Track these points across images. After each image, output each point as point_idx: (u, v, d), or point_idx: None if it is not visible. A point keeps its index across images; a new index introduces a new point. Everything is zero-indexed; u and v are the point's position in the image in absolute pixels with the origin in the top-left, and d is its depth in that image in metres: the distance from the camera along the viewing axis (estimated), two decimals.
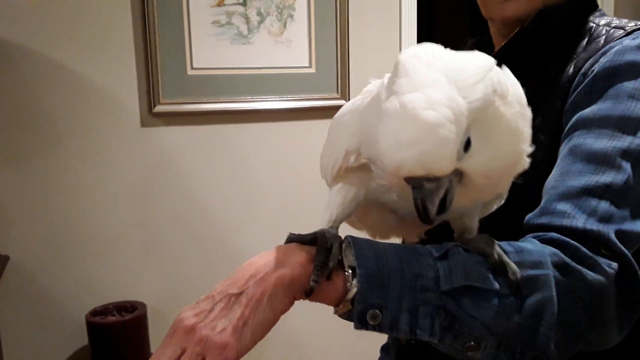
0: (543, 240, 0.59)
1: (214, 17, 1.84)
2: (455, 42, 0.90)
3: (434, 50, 0.51)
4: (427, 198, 0.48)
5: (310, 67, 1.96)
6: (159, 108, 1.78)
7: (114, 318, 1.60)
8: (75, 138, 1.71)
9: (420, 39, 2.15)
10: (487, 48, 0.87)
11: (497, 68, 0.51)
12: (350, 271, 0.52)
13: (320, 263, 0.53)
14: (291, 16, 1.93)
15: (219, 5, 1.84)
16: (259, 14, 1.89)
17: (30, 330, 1.71)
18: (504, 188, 0.58)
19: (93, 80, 1.71)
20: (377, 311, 0.51)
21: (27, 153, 1.67)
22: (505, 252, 0.55)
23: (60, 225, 1.72)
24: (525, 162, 0.54)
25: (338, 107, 2.08)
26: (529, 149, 0.53)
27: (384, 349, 0.98)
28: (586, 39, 0.74)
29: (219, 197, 1.89)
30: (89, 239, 1.75)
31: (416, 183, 0.48)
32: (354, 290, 0.51)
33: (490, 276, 0.54)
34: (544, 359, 0.55)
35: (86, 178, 1.73)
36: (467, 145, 0.47)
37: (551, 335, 0.55)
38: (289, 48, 1.94)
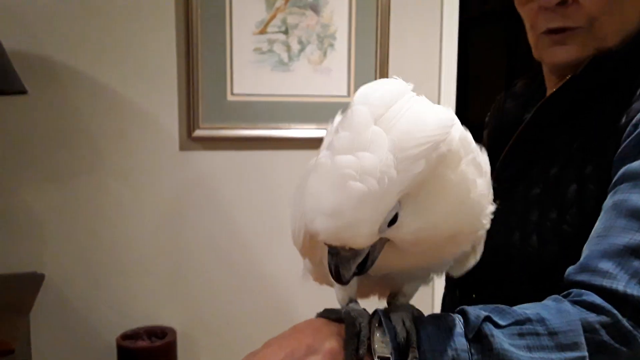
0: (582, 303, 0.56)
1: (256, 44, 1.85)
2: (490, 77, 0.87)
3: (393, 96, 0.46)
4: (341, 265, 0.46)
5: (348, 96, 1.96)
6: (198, 132, 1.79)
7: (144, 343, 1.59)
8: (115, 159, 1.73)
9: (460, 70, 2.14)
10: (538, 91, 0.85)
11: (458, 127, 0.48)
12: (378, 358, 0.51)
13: (351, 352, 0.51)
14: (331, 45, 1.93)
15: (261, 32, 1.86)
16: (300, 42, 1.90)
17: (61, 348, 1.71)
18: (451, 254, 0.56)
19: (135, 102, 1.73)
20: None
21: (67, 171, 1.69)
22: (528, 333, 0.52)
23: (95, 245, 1.73)
24: (481, 226, 0.53)
25: None
26: (484, 214, 0.53)
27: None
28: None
29: (253, 223, 1.88)
30: (122, 260, 1.75)
31: (332, 249, 0.46)
32: None
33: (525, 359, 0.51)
34: None
35: (123, 199, 1.75)
36: (395, 218, 0.45)
37: None
38: (329, 77, 1.94)
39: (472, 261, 0.60)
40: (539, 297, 0.59)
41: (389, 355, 0.50)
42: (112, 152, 1.73)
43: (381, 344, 0.51)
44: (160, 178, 1.78)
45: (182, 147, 1.80)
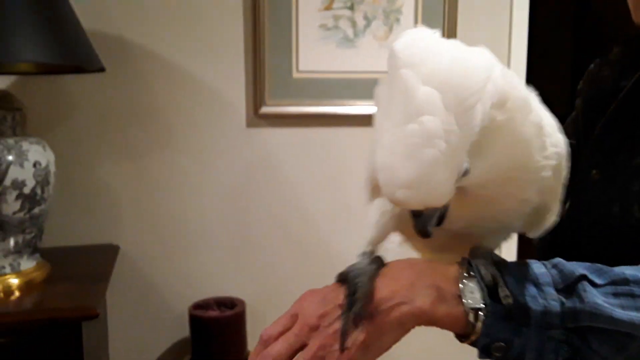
0: None
1: (322, 21, 1.85)
2: (557, 54, 0.83)
3: (428, 49, 0.47)
4: (423, 223, 0.48)
5: None
6: (264, 109, 1.82)
7: (214, 312, 1.64)
8: (185, 135, 1.78)
9: (530, 46, 2.07)
10: (636, 58, 0.81)
11: (496, 69, 0.47)
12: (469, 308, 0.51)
13: (349, 315, 0.52)
14: (397, 20, 1.91)
15: (326, 9, 1.85)
16: (366, 18, 1.89)
17: (136, 317, 1.79)
18: (519, 201, 0.55)
19: (205, 80, 1.77)
20: (503, 344, 0.50)
21: (141, 148, 1.76)
22: (625, 293, 0.51)
23: (167, 219, 1.79)
24: (542, 167, 0.52)
25: None
26: (541, 150, 0.52)
27: None
28: None
29: (317, 199, 1.90)
30: (192, 233, 1.81)
31: (415, 212, 0.48)
32: (480, 324, 0.50)
33: (619, 316, 0.50)
34: None
35: (193, 175, 1.80)
36: (466, 170, 0.46)
37: None
38: None
39: (550, 219, 0.59)
40: None
41: (480, 305, 0.50)
42: (183, 129, 1.78)
43: (470, 294, 0.51)
44: (228, 154, 1.82)
45: (249, 124, 1.83)
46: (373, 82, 2.00)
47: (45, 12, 1.24)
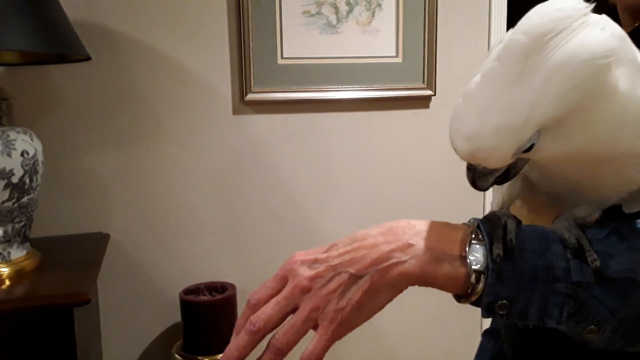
0: None
1: (305, 7, 1.86)
2: None
3: (556, 24, 0.43)
4: (478, 178, 0.49)
5: (397, 56, 1.96)
6: (250, 96, 1.83)
7: (205, 297, 1.66)
8: (172, 123, 1.79)
9: (508, 28, 2.10)
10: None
11: (627, 42, 0.45)
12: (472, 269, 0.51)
13: (497, 237, 0.51)
14: (379, 5, 1.93)
15: None
16: (348, 3, 1.90)
17: (128, 304, 1.81)
18: (622, 174, 0.52)
19: (190, 67, 1.78)
20: (507, 302, 0.50)
21: (128, 135, 1.77)
22: (627, 237, 0.51)
23: (156, 206, 1.81)
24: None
25: (424, 97, 2.07)
26: None
27: (489, 333, 0.96)
28: None
29: (304, 184, 1.93)
30: (182, 220, 1.83)
31: (469, 164, 0.50)
32: (481, 285, 0.50)
33: (622, 264, 0.50)
34: None
35: (181, 162, 1.81)
36: (531, 146, 0.46)
37: None
38: (377, 38, 1.94)
39: None
40: None
41: (484, 267, 0.50)
42: (170, 117, 1.79)
43: (474, 257, 0.51)
44: (216, 141, 1.84)
45: (235, 111, 1.85)
46: (357, 67, 2.04)
47: (30, 0, 1.24)
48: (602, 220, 0.54)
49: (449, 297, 0.55)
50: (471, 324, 2.07)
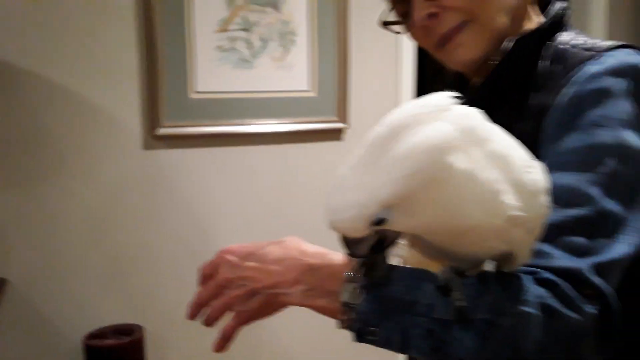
0: (538, 280, 0.59)
1: (218, 43, 1.86)
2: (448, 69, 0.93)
3: (410, 116, 0.50)
4: (349, 246, 0.56)
5: (311, 91, 1.98)
6: (161, 131, 1.80)
7: (111, 341, 1.58)
8: (77, 160, 1.72)
9: (417, 63, 2.17)
10: (466, 80, 0.90)
11: (474, 131, 0.52)
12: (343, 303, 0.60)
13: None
14: (293, 41, 1.96)
15: (222, 31, 1.87)
16: (262, 39, 1.92)
17: (27, 353, 1.69)
18: (480, 248, 0.57)
19: (96, 102, 1.73)
20: (374, 329, 0.58)
21: (29, 175, 1.68)
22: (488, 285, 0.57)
23: (59, 249, 1.72)
24: (499, 225, 0.53)
25: (338, 130, 2.10)
26: (500, 209, 0.52)
27: None
28: (559, 64, 0.75)
29: (221, 219, 1.89)
30: (89, 261, 1.75)
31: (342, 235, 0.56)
32: (354, 314, 0.59)
33: (482, 307, 0.56)
34: None
35: (88, 201, 1.74)
36: (382, 221, 0.51)
37: None
38: (291, 72, 1.96)
39: (519, 264, 0.60)
40: None
41: (355, 302, 0.59)
42: (74, 154, 1.72)
43: (348, 293, 0.60)
44: (125, 178, 1.78)
45: (146, 146, 1.80)
46: (270, 101, 2.04)
47: None
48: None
49: None
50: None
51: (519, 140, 0.62)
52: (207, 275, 0.74)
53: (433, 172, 0.49)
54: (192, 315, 0.74)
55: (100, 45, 1.73)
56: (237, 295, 0.70)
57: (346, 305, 0.59)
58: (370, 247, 0.56)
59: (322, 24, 1.97)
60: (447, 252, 0.59)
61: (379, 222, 0.51)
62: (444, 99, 0.52)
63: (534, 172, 0.56)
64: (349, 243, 0.55)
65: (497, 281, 0.58)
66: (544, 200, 0.56)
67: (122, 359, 1.56)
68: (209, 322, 0.73)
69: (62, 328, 1.71)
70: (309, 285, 0.64)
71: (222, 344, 0.72)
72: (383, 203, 0.49)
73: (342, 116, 2.00)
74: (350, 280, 0.60)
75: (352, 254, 0.57)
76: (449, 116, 0.51)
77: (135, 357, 1.58)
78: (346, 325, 0.60)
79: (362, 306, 0.58)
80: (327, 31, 1.98)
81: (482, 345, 0.55)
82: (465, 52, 0.80)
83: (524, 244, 0.58)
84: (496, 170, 0.52)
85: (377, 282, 0.59)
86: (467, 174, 0.50)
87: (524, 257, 0.59)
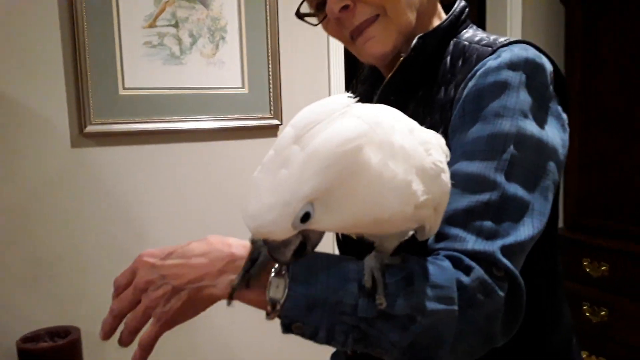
0: (454, 261, 0.65)
1: (146, 38, 1.85)
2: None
3: (318, 116, 0.52)
4: (273, 251, 0.56)
5: (243, 87, 2.01)
6: (90, 128, 1.76)
7: (46, 344, 1.55)
8: (2, 159, 1.66)
9: (347, 58, 2.25)
10: (379, 74, 0.95)
11: (373, 123, 0.53)
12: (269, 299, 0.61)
13: (244, 271, 0.62)
14: (223, 38, 1.97)
15: (150, 26, 1.86)
16: (191, 35, 1.92)
17: None
18: (395, 229, 0.62)
19: (22, 100, 1.67)
20: (300, 324, 0.60)
21: None
22: (413, 282, 0.61)
23: None
24: (412, 207, 0.57)
25: (271, 127, 2.15)
26: (410, 198, 0.56)
27: (335, 356, 1.04)
28: (461, 59, 0.80)
29: (153, 218, 1.88)
30: (18, 262, 1.69)
31: (264, 240, 0.56)
32: (279, 308, 0.60)
33: (405, 305, 0.60)
34: None
35: (14, 199, 1.68)
36: (307, 216, 0.52)
37: (448, 357, 0.63)
38: (222, 69, 1.97)
39: (431, 233, 0.65)
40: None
41: (281, 298, 0.60)
42: (1, 155, 1.66)
43: (275, 288, 0.61)
44: (53, 177, 1.74)
45: (74, 144, 1.76)
46: (201, 98, 2.05)
47: None
48: (404, 261, 0.63)
49: None
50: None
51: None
52: (123, 286, 0.68)
53: (349, 165, 0.51)
54: (107, 334, 0.68)
55: (24, 41, 1.67)
56: (158, 297, 0.64)
57: (272, 300, 0.60)
58: (294, 251, 0.56)
59: (251, 20, 2.00)
60: (367, 238, 0.64)
61: (304, 218, 0.52)
62: (344, 98, 0.54)
63: (434, 154, 0.59)
64: (273, 248, 0.55)
65: (421, 279, 0.61)
66: (445, 178, 0.61)
67: None
68: (126, 338, 0.66)
69: None
70: (233, 273, 0.63)
71: (142, 356, 0.65)
72: (306, 198, 0.50)
73: (276, 112, 2.04)
74: (276, 274, 0.61)
75: (277, 260, 0.57)
76: (356, 112, 0.53)
77: (72, 359, 1.55)
78: (272, 318, 0.61)
79: (288, 302, 0.60)
80: (257, 27, 2.01)
81: (404, 336, 0.60)
82: (375, 45, 0.83)
83: (432, 219, 0.62)
84: (403, 160, 0.55)
85: (303, 280, 0.60)
86: (380, 166, 0.53)
87: (434, 227, 0.64)
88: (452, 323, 0.62)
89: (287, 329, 0.61)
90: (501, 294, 0.64)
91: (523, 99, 0.72)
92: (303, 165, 0.50)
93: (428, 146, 0.59)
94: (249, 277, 0.61)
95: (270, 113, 2.04)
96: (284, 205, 0.50)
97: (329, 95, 2.14)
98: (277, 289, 0.60)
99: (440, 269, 0.63)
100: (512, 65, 0.73)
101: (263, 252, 0.61)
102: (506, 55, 0.74)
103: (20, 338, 1.57)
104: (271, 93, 2.04)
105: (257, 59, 2.02)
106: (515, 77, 0.73)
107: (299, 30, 2.06)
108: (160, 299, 0.64)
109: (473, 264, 0.64)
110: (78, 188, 1.77)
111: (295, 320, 0.60)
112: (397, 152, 0.55)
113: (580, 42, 2.53)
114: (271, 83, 2.04)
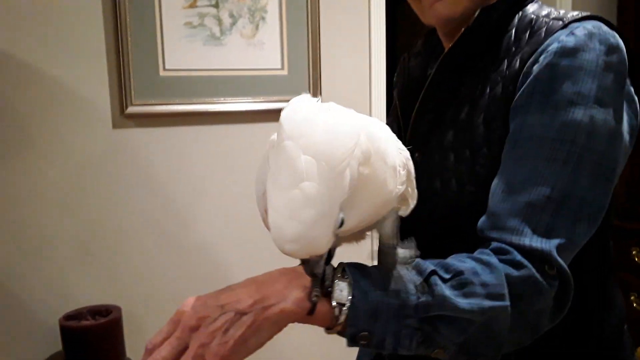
0: (506, 260, 0.64)
1: (187, 19, 1.84)
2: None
3: (307, 121, 0.53)
4: (314, 268, 0.56)
5: (282, 69, 1.98)
6: (131, 109, 1.77)
7: (87, 322, 1.58)
8: (45, 140, 1.69)
9: (388, 40, 2.20)
10: (437, 47, 0.92)
11: (362, 134, 0.54)
12: (336, 303, 0.58)
13: (320, 279, 0.59)
14: (263, 18, 1.94)
15: (191, 7, 1.84)
16: (232, 15, 1.90)
17: (2, 337, 1.67)
18: (386, 211, 0.64)
19: (64, 81, 1.69)
20: (366, 334, 0.59)
21: None
22: (465, 283, 0.62)
23: (32, 230, 1.69)
24: (397, 190, 0.61)
25: None
26: (396, 180, 0.60)
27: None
28: (528, 32, 0.76)
29: (192, 199, 1.89)
30: (61, 242, 1.72)
31: (303, 260, 0.56)
32: (344, 317, 0.58)
33: (462, 305, 0.60)
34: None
35: (56, 180, 1.71)
36: (342, 223, 0.53)
37: (502, 349, 0.63)
38: (262, 50, 1.95)
39: (412, 202, 0.67)
40: (462, 244, 0.67)
41: (346, 301, 0.58)
42: (43, 134, 1.68)
43: (339, 292, 0.59)
44: (95, 157, 1.75)
45: (115, 125, 1.78)
46: (242, 79, 2.02)
47: None
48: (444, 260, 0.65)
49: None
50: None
51: (491, 106, 0.71)
52: (159, 344, 0.55)
53: (361, 162, 0.53)
54: None
55: (68, 23, 1.68)
56: (215, 329, 0.54)
57: (339, 304, 0.58)
58: (325, 262, 0.56)
59: (291, 1, 1.96)
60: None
61: (341, 224, 0.53)
62: (309, 99, 0.55)
63: (403, 152, 0.64)
64: (312, 263, 0.55)
65: (471, 278, 0.62)
66: (410, 166, 0.65)
67: (100, 340, 1.55)
68: None
69: (38, 310, 1.69)
70: (299, 287, 0.58)
71: None
72: (340, 205, 0.51)
73: (315, 93, 2.01)
74: (340, 279, 0.59)
75: (313, 274, 0.56)
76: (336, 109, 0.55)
77: (113, 337, 1.58)
78: (338, 329, 0.59)
79: (352, 311, 0.58)
80: (298, 7, 1.97)
81: (461, 336, 0.61)
82: (445, 6, 0.79)
83: (408, 193, 0.65)
84: (387, 163, 0.59)
85: (365, 282, 0.59)
86: (379, 155, 0.56)
87: (412, 197, 0.66)
88: (505, 318, 0.62)
89: (353, 339, 0.59)
90: (551, 291, 0.64)
91: (599, 84, 0.68)
92: (326, 173, 0.50)
93: (400, 145, 0.65)
94: (326, 285, 0.59)
95: (310, 94, 2.00)
96: (324, 217, 0.51)
97: (370, 79, 2.10)
98: (342, 293, 0.58)
99: (487, 267, 0.63)
100: (588, 47, 0.69)
101: (327, 271, 0.60)
102: (580, 33, 0.70)
103: (63, 316, 1.60)
104: (310, 75, 2.00)
105: (297, 40, 1.99)
106: (592, 61, 0.68)
107: (340, 11, 2.02)
108: (219, 331, 0.54)
109: (525, 261, 0.63)
110: (119, 169, 1.79)
111: (360, 329, 0.58)
112: (384, 157, 0.58)
113: (632, 25, 2.41)
114: (311, 65, 2.00)
